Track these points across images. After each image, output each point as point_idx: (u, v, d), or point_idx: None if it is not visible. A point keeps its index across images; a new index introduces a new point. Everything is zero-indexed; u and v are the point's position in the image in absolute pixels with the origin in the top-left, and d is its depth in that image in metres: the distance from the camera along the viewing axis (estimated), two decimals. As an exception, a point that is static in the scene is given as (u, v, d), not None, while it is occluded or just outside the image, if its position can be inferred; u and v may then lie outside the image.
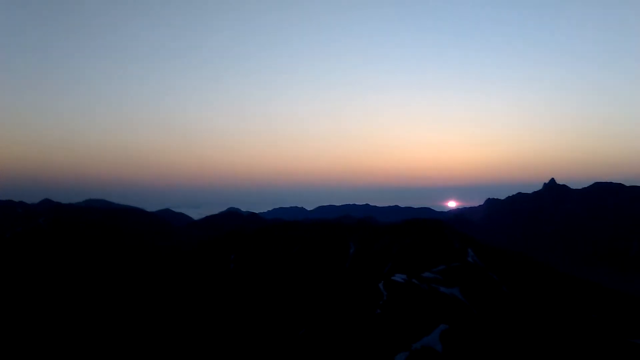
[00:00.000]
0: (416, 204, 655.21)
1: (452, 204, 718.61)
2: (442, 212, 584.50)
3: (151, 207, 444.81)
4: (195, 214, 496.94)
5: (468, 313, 77.68)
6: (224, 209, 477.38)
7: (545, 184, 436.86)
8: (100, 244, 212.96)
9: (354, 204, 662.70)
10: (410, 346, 57.25)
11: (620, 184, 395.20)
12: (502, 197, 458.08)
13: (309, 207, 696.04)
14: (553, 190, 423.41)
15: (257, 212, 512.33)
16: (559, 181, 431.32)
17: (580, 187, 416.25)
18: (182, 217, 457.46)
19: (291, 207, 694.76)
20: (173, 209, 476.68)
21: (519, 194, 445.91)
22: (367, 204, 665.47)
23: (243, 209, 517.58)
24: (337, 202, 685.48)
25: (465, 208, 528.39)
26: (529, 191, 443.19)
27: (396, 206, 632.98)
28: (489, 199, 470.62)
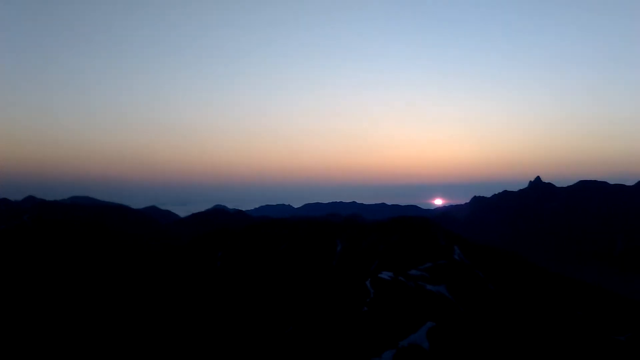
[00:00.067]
0: (403, 201, 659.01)
1: (438, 202, 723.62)
2: (428, 209, 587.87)
3: (137, 204, 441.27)
4: (182, 212, 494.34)
5: (455, 311, 78.06)
6: (210, 206, 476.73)
7: (530, 182, 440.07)
8: (86, 242, 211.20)
9: (341, 202, 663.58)
10: (397, 343, 57.43)
11: (604, 182, 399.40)
12: (488, 195, 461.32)
13: (296, 205, 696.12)
14: (538, 188, 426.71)
15: (243, 209, 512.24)
16: (544, 179, 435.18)
17: (565, 185, 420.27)
18: (169, 214, 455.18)
19: (278, 204, 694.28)
20: (159, 206, 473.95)
21: (505, 192, 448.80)
22: (354, 201, 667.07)
23: (230, 207, 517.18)
24: (324, 200, 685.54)
25: (451, 206, 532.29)
26: (515, 189, 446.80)
27: (383, 204, 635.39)
28: (475, 196, 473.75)
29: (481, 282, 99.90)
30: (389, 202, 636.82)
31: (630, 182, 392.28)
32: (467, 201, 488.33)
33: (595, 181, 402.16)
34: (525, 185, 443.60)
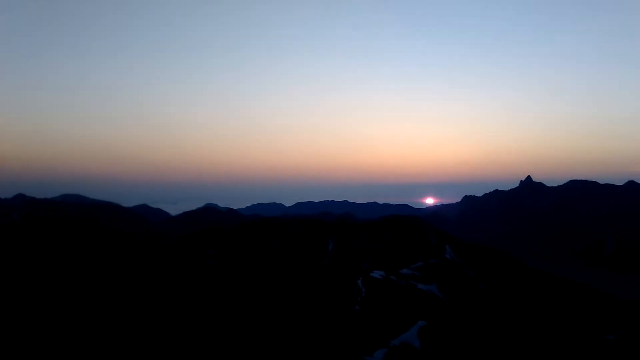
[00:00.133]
0: (394, 200, 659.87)
1: (429, 201, 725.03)
2: (420, 208, 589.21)
3: (128, 202, 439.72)
4: (173, 210, 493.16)
5: (446, 309, 78.29)
6: (201, 204, 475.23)
7: (521, 181, 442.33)
8: (77, 240, 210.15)
9: (333, 201, 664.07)
10: (389, 342, 57.52)
11: (594, 181, 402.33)
12: (479, 194, 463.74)
13: (288, 204, 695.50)
14: (529, 188, 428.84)
15: (235, 208, 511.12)
16: (535, 179, 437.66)
17: (556, 185, 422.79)
18: (160, 212, 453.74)
19: (269, 203, 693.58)
20: (150, 205, 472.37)
21: (496, 191, 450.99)
22: (345, 200, 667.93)
23: (221, 205, 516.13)
24: (316, 199, 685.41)
25: (442, 205, 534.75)
26: (506, 188, 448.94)
27: (374, 203, 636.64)
28: (466, 196, 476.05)
29: (472, 281, 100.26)
30: (380, 201, 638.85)
31: (619, 182, 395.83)
32: (458, 200, 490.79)
33: (585, 181, 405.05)
34: (516, 184, 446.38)
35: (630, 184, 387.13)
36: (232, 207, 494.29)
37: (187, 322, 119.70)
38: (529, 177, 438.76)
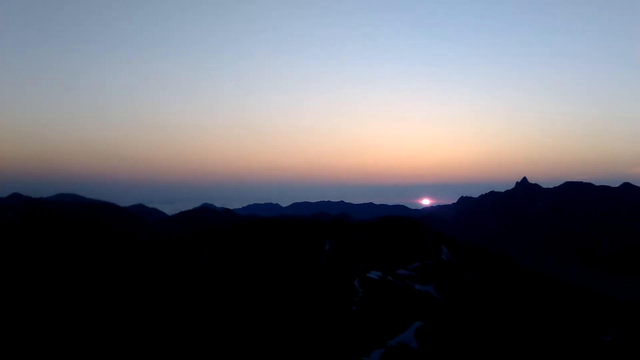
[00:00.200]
0: (391, 201, 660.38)
1: (426, 202, 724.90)
2: (416, 209, 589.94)
3: (124, 202, 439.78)
4: (169, 210, 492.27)
5: (443, 310, 78.31)
6: (198, 204, 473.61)
7: (517, 182, 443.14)
8: (73, 239, 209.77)
9: (329, 201, 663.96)
10: (386, 343, 57.46)
11: (590, 183, 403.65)
12: (476, 195, 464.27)
13: (284, 204, 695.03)
14: (525, 189, 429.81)
15: (231, 208, 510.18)
16: (531, 180, 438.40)
17: (551, 187, 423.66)
18: (156, 212, 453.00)
19: (266, 203, 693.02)
20: (146, 205, 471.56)
21: (492, 192, 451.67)
22: (342, 201, 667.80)
23: (217, 205, 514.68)
24: (312, 199, 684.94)
25: (439, 206, 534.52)
26: (502, 190, 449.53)
27: (371, 203, 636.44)
28: (462, 197, 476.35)
29: (469, 281, 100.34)
30: (376, 202, 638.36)
31: (615, 184, 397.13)
32: (455, 201, 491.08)
33: (581, 183, 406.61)
34: (512, 186, 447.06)
35: (626, 185, 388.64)
36: (228, 207, 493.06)
37: (183, 322, 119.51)
38: (524, 179, 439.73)
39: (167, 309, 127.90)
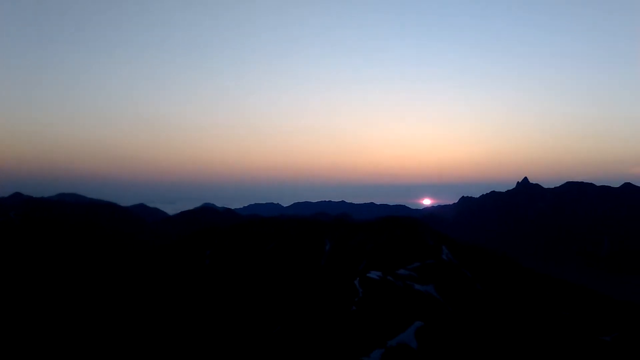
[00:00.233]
0: (391, 201, 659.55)
1: (427, 202, 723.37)
2: (417, 209, 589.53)
3: (125, 201, 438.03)
4: (170, 210, 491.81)
5: (443, 310, 78.40)
6: (199, 204, 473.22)
7: (518, 182, 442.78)
8: (74, 239, 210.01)
9: (330, 201, 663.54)
10: (386, 343, 57.57)
11: (591, 183, 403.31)
12: (476, 195, 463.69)
13: (285, 204, 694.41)
14: (526, 189, 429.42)
15: (232, 207, 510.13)
16: (532, 180, 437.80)
17: (552, 187, 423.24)
18: (157, 212, 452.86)
19: (267, 203, 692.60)
20: (147, 204, 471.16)
21: (493, 192, 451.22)
22: (342, 200, 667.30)
23: (218, 205, 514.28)
24: (313, 199, 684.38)
25: (439, 206, 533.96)
26: (503, 190, 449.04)
27: (372, 203, 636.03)
28: (463, 197, 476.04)
29: (469, 282, 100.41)
30: (377, 202, 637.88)
31: (616, 184, 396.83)
32: (455, 201, 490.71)
33: (582, 183, 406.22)
34: (513, 186, 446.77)
35: (627, 185, 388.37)
36: (229, 207, 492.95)
37: (183, 322, 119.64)
38: (525, 179, 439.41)
39: (167, 309, 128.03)
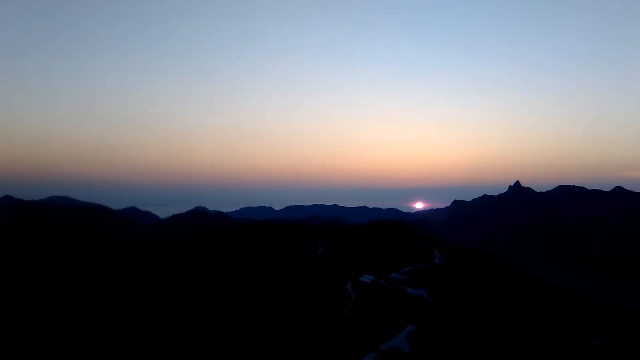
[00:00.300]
0: (384, 204, 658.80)
1: (419, 205, 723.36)
2: (409, 213, 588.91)
3: (116, 205, 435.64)
4: (162, 213, 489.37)
5: (435, 314, 78.46)
6: (190, 207, 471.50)
7: (510, 186, 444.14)
8: (64, 242, 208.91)
9: (323, 205, 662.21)
10: (378, 347, 57.51)
11: (582, 187, 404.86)
12: (468, 199, 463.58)
13: (277, 207, 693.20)
14: (518, 193, 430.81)
15: (224, 211, 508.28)
16: (524, 184, 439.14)
17: (544, 190, 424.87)
18: (148, 215, 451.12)
19: (259, 206, 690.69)
20: (139, 207, 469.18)
21: (485, 196, 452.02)
22: (335, 204, 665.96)
23: (210, 208, 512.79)
24: (306, 202, 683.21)
25: (431, 209, 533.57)
26: (495, 193, 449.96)
27: (364, 207, 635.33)
28: (455, 200, 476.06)
29: (461, 285, 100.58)
30: (370, 205, 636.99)
31: (607, 188, 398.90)
32: (448, 205, 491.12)
33: (573, 186, 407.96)
34: (505, 189, 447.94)
35: (618, 189, 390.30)
36: (221, 210, 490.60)
37: (176, 325, 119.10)
38: (517, 183, 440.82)
39: (159, 312, 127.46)
